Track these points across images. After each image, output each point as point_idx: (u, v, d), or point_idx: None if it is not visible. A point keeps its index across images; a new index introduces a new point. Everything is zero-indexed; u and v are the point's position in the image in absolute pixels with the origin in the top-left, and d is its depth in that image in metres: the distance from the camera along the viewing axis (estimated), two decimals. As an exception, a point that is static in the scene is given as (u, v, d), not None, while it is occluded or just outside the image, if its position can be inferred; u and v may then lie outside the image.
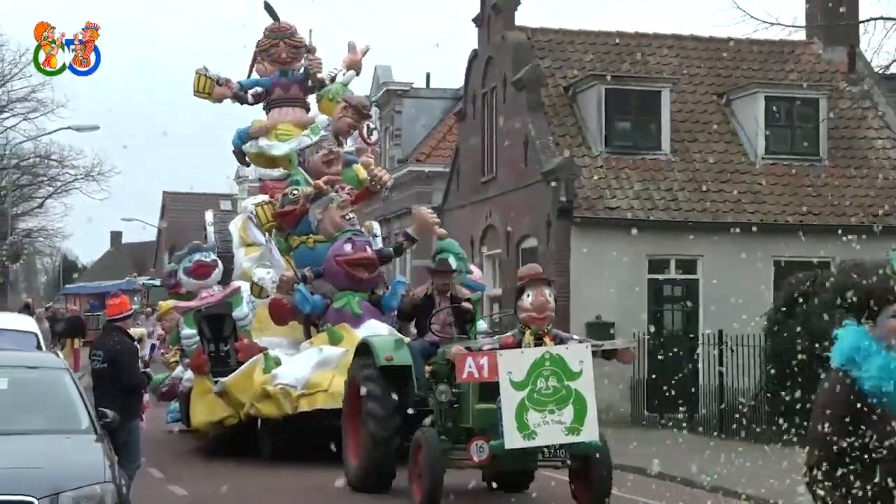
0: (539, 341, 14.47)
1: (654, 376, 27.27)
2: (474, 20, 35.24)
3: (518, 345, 14.56)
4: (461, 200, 36.29)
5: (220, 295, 22.88)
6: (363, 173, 24.09)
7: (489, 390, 14.61)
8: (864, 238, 27.88)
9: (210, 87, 25.92)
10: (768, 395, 23.35)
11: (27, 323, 19.53)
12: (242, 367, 21.27)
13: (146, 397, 16.07)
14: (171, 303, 24.21)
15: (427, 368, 16.55)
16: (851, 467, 5.86)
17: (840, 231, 28.00)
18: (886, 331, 5.99)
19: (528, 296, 14.70)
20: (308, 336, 22.23)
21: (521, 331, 14.79)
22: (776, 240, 28.76)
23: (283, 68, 26.17)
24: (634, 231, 28.43)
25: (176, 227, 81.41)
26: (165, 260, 64.80)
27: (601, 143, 30.48)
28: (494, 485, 17.11)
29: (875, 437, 5.82)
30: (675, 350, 26.71)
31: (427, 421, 15.95)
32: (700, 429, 25.22)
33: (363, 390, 17.07)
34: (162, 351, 30.02)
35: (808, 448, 5.99)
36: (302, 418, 20.00)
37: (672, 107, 31.12)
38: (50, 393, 12.06)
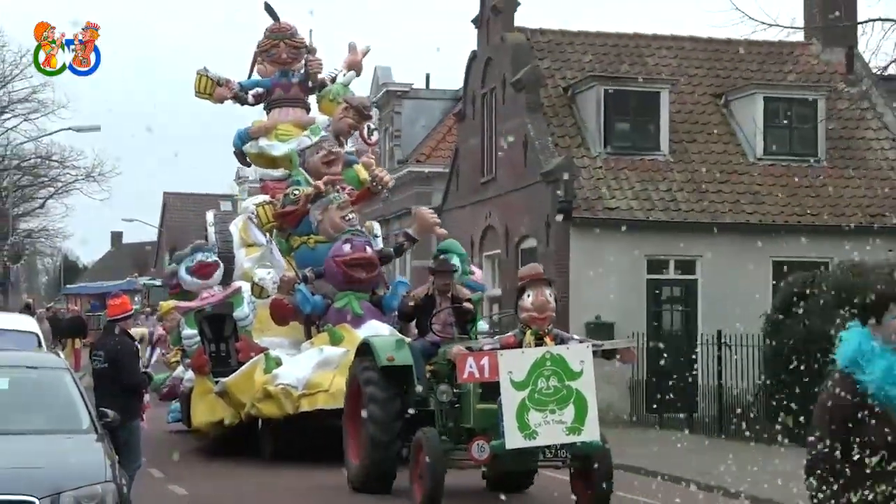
0: (540, 341, 14.48)
1: (653, 376, 27.33)
2: (474, 21, 35.29)
3: (519, 345, 14.57)
4: (461, 201, 36.35)
5: (221, 295, 22.90)
6: (364, 174, 24.11)
7: (490, 390, 14.63)
8: (863, 238, 27.98)
9: (211, 88, 25.93)
10: (767, 395, 23.40)
11: (28, 323, 19.53)
12: (243, 367, 21.28)
13: (147, 397, 16.10)
14: (171, 303, 24.22)
15: (428, 368, 16.56)
16: (854, 469, 5.89)
17: (838, 231, 28.21)
18: (891, 331, 6.00)
19: (529, 296, 14.71)
20: (309, 336, 22.23)
21: (522, 331, 14.80)
22: (775, 240, 28.80)
23: (284, 69, 26.18)
24: (634, 231, 28.56)
25: (176, 228, 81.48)
26: (166, 260, 64.82)
27: (600, 144, 30.55)
28: (495, 484, 17.17)
29: (879, 439, 5.85)
30: (674, 350, 26.78)
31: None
32: (699, 429, 25.27)
33: (365, 391, 17.07)
34: (163, 351, 30.07)
35: (808, 448, 6.02)
36: (303, 418, 20.03)
37: (671, 107, 31.20)
38: (51, 393, 12.08)
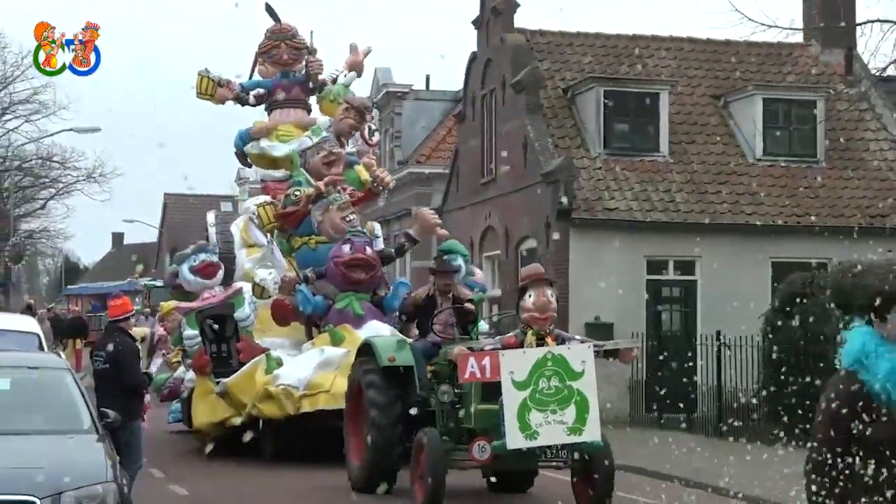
0: (541, 341, 14.48)
1: (652, 376, 27.37)
2: (474, 22, 35.35)
3: (520, 345, 14.58)
4: (461, 202, 36.41)
5: (223, 296, 22.94)
6: (364, 174, 24.13)
7: (491, 390, 14.64)
8: (862, 239, 28.01)
9: (212, 89, 25.93)
10: (766, 395, 23.44)
11: (29, 324, 19.55)
12: (244, 367, 21.31)
13: (147, 398, 16.14)
14: (172, 303, 24.23)
15: (429, 369, 16.58)
16: (856, 469, 5.89)
17: (837, 232, 28.26)
18: None
19: (531, 296, 14.72)
20: (310, 337, 22.24)
21: (523, 331, 14.80)
22: (774, 241, 28.88)
23: (285, 70, 26.20)
24: (633, 232, 28.63)
25: (177, 229, 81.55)
26: (167, 261, 64.90)
27: (600, 145, 30.61)
28: (496, 484, 17.19)
29: (882, 438, 5.85)
30: (674, 351, 26.82)
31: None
32: (698, 429, 25.32)
33: (366, 392, 17.10)
34: (164, 352, 30.13)
35: (809, 448, 6.02)
36: (304, 419, 20.03)
37: (670, 108, 31.26)
38: (52, 393, 12.11)
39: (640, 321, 28.34)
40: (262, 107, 26.62)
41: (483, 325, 20.06)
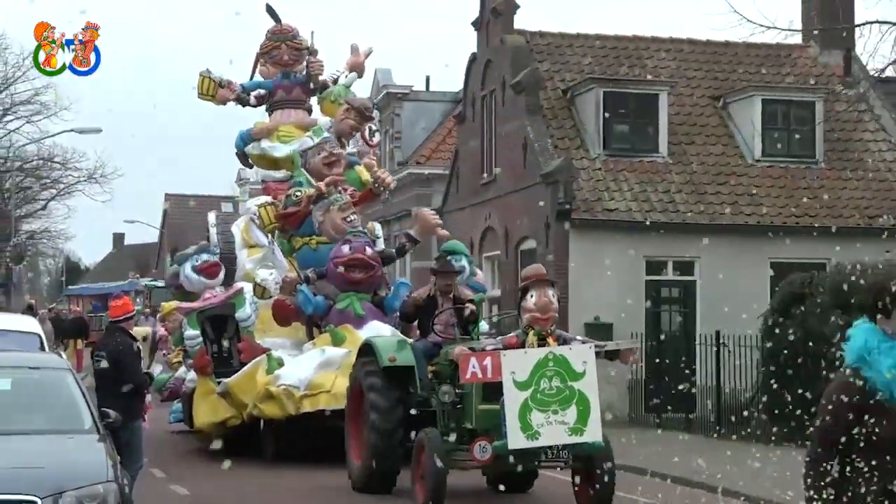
0: (542, 342, 14.49)
1: (651, 377, 27.43)
2: (473, 24, 35.40)
3: (521, 345, 14.59)
4: (461, 202, 36.46)
5: (224, 296, 22.97)
6: (365, 175, 24.15)
7: (492, 391, 14.65)
8: (860, 239, 28.07)
9: (214, 90, 25.95)
10: (765, 395, 23.49)
11: (30, 324, 19.59)
12: (245, 367, 21.35)
13: (148, 398, 16.17)
14: (174, 304, 24.25)
15: (430, 369, 16.59)
16: (857, 465, 5.93)
17: (836, 233, 28.32)
18: None
19: (532, 296, 14.73)
20: (311, 337, 22.29)
21: (525, 331, 14.82)
22: (773, 241, 28.89)
23: (286, 70, 26.22)
24: (632, 233, 28.67)
25: (177, 229, 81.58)
26: (167, 261, 64.96)
27: (599, 146, 30.67)
28: (498, 486, 17.27)
29: (884, 435, 5.88)
30: (673, 351, 26.87)
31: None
32: (697, 429, 25.37)
33: (367, 392, 17.10)
34: (164, 352, 30.18)
35: (810, 442, 6.06)
36: (305, 419, 20.06)
37: (670, 109, 31.32)
38: (53, 393, 12.14)
39: (640, 321, 28.38)
40: (263, 107, 26.66)
41: (483, 326, 20.08)
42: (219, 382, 21.69)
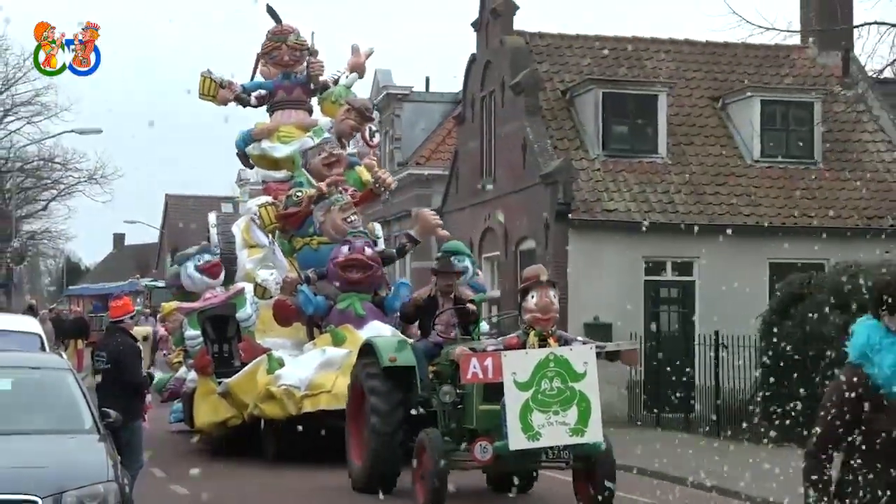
0: (543, 342, 14.49)
1: (650, 377, 27.48)
2: (473, 25, 35.44)
3: (522, 346, 14.60)
4: (460, 203, 36.51)
5: (224, 296, 23.01)
6: (366, 175, 24.18)
7: (493, 391, 14.66)
8: (859, 240, 28.15)
9: (215, 90, 25.95)
10: (763, 395, 23.54)
11: (31, 324, 19.62)
12: (246, 367, 21.39)
13: (148, 398, 16.20)
14: (174, 304, 24.25)
15: (431, 369, 16.59)
16: (860, 461, 5.95)
17: (835, 233, 28.38)
18: None
19: (533, 297, 14.73)
20: (311, 337, 22.32)
21: (526, 332, 14.82)
22: (771, 242, 28.98)
23: (286, 71, 26.24)
24: (632, 233, 28.72)
25: (178, 230, 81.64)
26: (168, 262, 64.99)
27: (598, 147, 30.73)
28: (497, 484, 17.24)
29: (885, 432, 5.90)
30: (672, 351, 26.92)
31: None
32: (696, 429, 25.42)
33: (367, 392, 17.12)
34: (164, 352, 30.19)
35: (810, 438, 6.09)
36: (305, 419, 20.03)
37: (668, 110, 31.38)
38: (53, 393, 12.16)
39: (639, 322, 28.44)
40: (264, 108, 26.69)
41: (484, 326, 20.11)
42: (219, 382, 21.72)
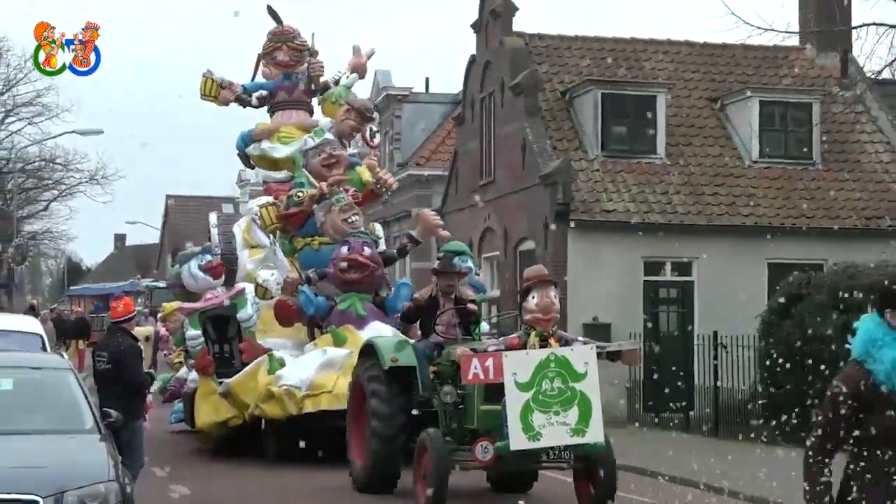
0: (544, 343, 14.49)
1: (650, 377, 27.52)
2: (473, 26, 35.50)
3: (523, 346, 14.60)
4: (460, 203, 36.57)
5: (225, 296, 23.06)
6: (366, 175, 24.19)
7: (494, 391, 14.66)
8: (857, 240, 28.23)
9: (216, 91, 25.97)
10: (762, 395, 23.61)
11: (32, 324, 19.65)
12: (247, 368, 21.41)
13: (149, 397, 16.22)
14: (175, 304, 24.27)
15: (431, 369, 16.60)
16: (863, 458, 5.97)
17: (833, 234, 28.44)
18: None
19: (534, 297, 14.71)
20: (312, 337, 22.34)
21: (527, 332, 14.82)
22: (770, 242, 29.04)
23: (287, 71, 26.27)
24: (631, 233, 28.79)
25: (178, 230, 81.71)
26: (168, 262, 65.07)
27: (598, 147, 30.80)
28: (498, 484, 17.32)
29: (889, 427, 5.91)
30: (671, 351, 26.99)
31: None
32: (695, 429, 25.49)
33: (368, 393, 17.14)
34: (165, 352, 30.25)
35: (812, 435, 6.11)
36: (306, 419, 20.08)
37: (667, 111, 31.44)
38: (54, 393, 12.17)
39: (638, 322, 28.50)
40: (265, 108, 26.73)
41: (484, 326, 20.14)
42: (220, 383, 21.74)
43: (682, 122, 32.11)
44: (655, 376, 22.45)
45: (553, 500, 17.18)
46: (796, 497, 6.48)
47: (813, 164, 31.63)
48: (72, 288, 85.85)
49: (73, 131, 53.38)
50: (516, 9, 33.19)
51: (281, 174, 25.68)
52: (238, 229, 25.26)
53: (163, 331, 30.77)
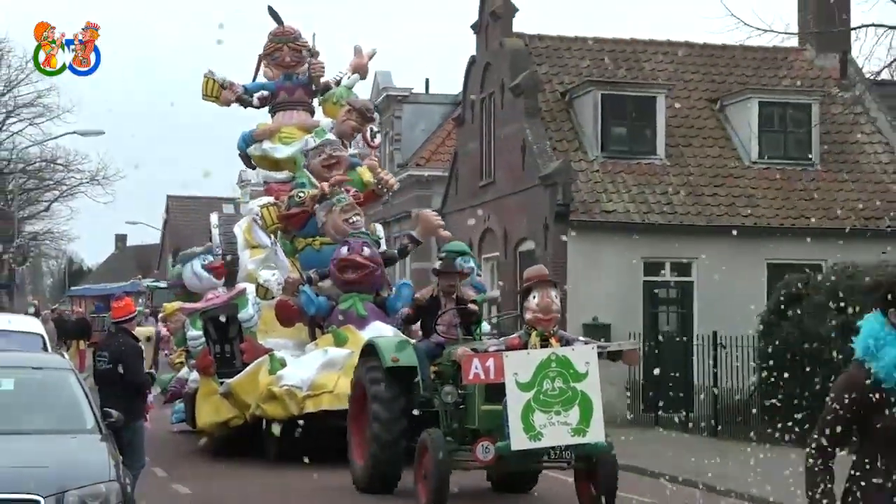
0: (545, 342, 14.51)
1: (649, 377, 27.54)
2: (473, 27, 35.55)
3: (524, 346, 14.62)
4: (460, 204, 36.61)
5: (226, 297, 23.06)
6: (367, 175, 24.22)
7: (495, 391, 14.69)
8: (856, 241, 28.25)
9: (218, 91, 26.02)
10: (762, 395, 23.65)
11: (33, 324, 19.67)
12: (248, 368, 21.44)
13: (150, 397, 16.25)
14: (176, 304, 24.30)
15: (432, 369, 16.62)
16: (867, 457, 5.98)
17: (832, 234, 28.48)
18: None
19: (535, 297, 14.72)
20: (313, 338, 22.36)
21: (527, 332, 14.83)
22: (769, 242, 29.11)
23: (288, 72, 26.32)
24: (630, 234, 28.84)
25: (178, 230, 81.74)
26: (169, 262, 65.07)
27: (597, 148, 30.85)
28: (499, 484, 17.36)
29: (891, 426, 5.91)
30: (671, 351, 27.02)
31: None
32: (695, 429, 25.53)
33: (369, 392, 17.16)
34: (165, 353, 30.28)
35: (813, 435, 6.11)
36: (307, 419, 20.05)
37: (667, 112, 31.49)
38: (55, 393, 12.18)
39: (638, 322, 28.56)
40: (266, 109, 26.78)
41: (485, 327, 20.14)
42: (221, 383, 21.76)
43: (682, 123, 32.15)
44: (656, 371, 22.45)
45: (554, 500, 17.22)
46: (796, 497, 6.52)
47: (812, 165, 31.68)
48: (73, 288, 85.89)
49: (74, 132, 53.45)
50: (516, 10, 33.26)
51: (282, 174, 25.71)
52: (239, 229, 25.28)
53: (164, 331, 30.79)
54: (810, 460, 6.05)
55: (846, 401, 5.98)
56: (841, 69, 33.44)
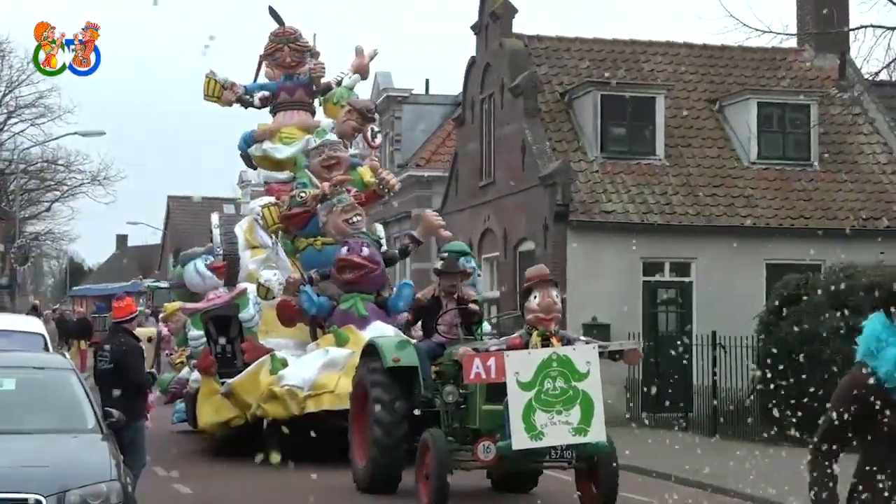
0: (546, 342, 14.53)
1: (648, 377, 27.61)
2: (472, 28, 35.59)
3: (525, 346, 14.64)
4: (460, 204, 36.67)
5: (227, 297, 23.10)
6: (368, 175, 24.24)
7: (496, 391, 14.72)
8: (855, 241, 28.30)
9: (219, 91, 26.04)
10: (760, 395, 23.70)
11: (34, 324, 19.69)
12: (249, 368, 21.45)
13: (151, 397, 16.29)
14: (177, 304, 24.31)
15: (434, 369, 16.64)
16: (870, 457, 5.99)
17: (831, 234, 28.53)
18: None
19: (536, 297, 14.75)
20: (314, 337, 22.38)
21: (528, 332, 14.84)
22: (768, 243, 29.16)
23: (288, 72, 26.36)
24: (630, 234, 28.88)
25: (178, 231, 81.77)
26: (170, 262, 65.13)
27: (597, 148, 30.89)
28: (500, 484, 17.40)
29: (891, 427, 5.93)
30: (670, 351, 27.08)
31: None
32: (694, 429, 25.58)
33: (370, 392, 17.17)
34: (166, 353, 30.30)
35: (816, 435, 6.12)
36: (308, 419, 20.01)
37: (666, 112, 31.53)
38: (56, 393, 12.22)
39: (637, 322, 28.61)
40: (267, 109, 26.83)
41: (486, 327, 20.16)
42: (222, 383, 21.77)
43: (681, 124, 32.20)
44: (656, 373, 22.50)
45: (555, 500, 17.23)
46: (795, 497, 6.57)
47: (811, 166, 31.74)
48: (74, 288, 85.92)
49: (76, 133, 53.54)
50: (516, 10, 33.32)
51: (283, 174, 25.75)
52: (240, 230, 25.29)
53: (165, 331, 30.82)
54: (814, 461, 6.06)
55: (849, 402, 5.99)
56: (839, 70, 33.49)
